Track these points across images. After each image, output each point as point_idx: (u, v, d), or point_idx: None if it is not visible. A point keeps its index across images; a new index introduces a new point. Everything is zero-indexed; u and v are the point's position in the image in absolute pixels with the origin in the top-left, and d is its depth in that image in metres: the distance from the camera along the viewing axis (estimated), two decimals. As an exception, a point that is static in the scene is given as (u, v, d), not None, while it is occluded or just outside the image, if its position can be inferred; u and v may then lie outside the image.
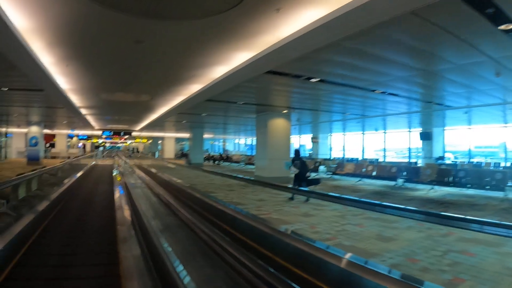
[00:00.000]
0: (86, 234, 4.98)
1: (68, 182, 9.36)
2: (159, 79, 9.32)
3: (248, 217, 5.15)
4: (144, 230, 4.53)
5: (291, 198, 8.71)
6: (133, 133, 30.34)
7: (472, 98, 10.94)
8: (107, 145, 64.58)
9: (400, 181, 12.47)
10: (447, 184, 11.06)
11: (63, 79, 9.20)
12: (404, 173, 12.71)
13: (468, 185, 10.62)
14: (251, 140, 40.80)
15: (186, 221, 5.92)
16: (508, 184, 10.07)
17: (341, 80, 8.64)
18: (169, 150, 40.34)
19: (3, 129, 28.12)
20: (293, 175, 9.37)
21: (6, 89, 10.52)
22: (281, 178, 11.33)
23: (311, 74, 8.00)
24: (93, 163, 22.15)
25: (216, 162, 30.60)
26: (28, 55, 6.20)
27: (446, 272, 3.68)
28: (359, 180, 14.01)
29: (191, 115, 17.38)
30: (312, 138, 27.04)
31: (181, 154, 42.71)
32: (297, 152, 9.67)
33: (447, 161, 18.88)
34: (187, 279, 2.81)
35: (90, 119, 20.54)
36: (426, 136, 19.87)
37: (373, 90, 9.75)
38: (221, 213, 5.88)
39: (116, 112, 17.68)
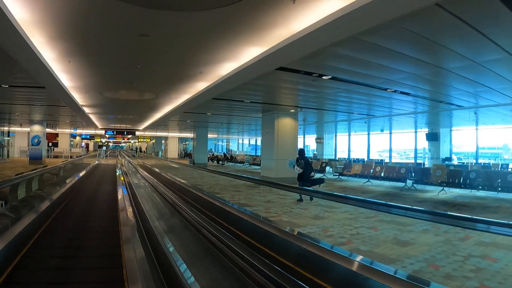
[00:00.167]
0: (89, 235, 4.76)
1: (70, 181, 9.15)
2: (164, 76, 9.06)
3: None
4: (148, 231, 4.33)
5: (300, 200, 8.53)
6: (137, 133, 30.21)
7: (482, 98, 10.66)
8: (110, 144, 64.79)
9: (409, 182, 12.19)
10: (458, 185, 10.79)
11: (65, 76, 8.98)
12: (413, 174, 12.45)
13: (480, 187, 10.37)
14: (255, 140, 40.62)
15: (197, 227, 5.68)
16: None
17: (355, 78, 8.33)
18: (173, 150, 40.45)
19: (6, 128, 28.14)
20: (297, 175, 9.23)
21: (7, 86, 10.34)
22: (289, 179, 11.07)
23: (324, 71, 7.69)
24: (96, 162, 22.07)
25: (220, 162, 30.44)
26: (29, 49, 5.93)
27: (471, 279, 3.54)
28: (367, 181, 13.73)
29: (195, 114, 17.15)
30: (316, 139, 26.92)
31: (185, 154, 42.68)
32: (301, 151, 9.52)
33: (452, 163, 18.58)
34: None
35: (93, 118, 20.36)
36: (433, 137, 19.59)
37: (385, 89, 9.46)
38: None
39: (119, 111, 17.47)
